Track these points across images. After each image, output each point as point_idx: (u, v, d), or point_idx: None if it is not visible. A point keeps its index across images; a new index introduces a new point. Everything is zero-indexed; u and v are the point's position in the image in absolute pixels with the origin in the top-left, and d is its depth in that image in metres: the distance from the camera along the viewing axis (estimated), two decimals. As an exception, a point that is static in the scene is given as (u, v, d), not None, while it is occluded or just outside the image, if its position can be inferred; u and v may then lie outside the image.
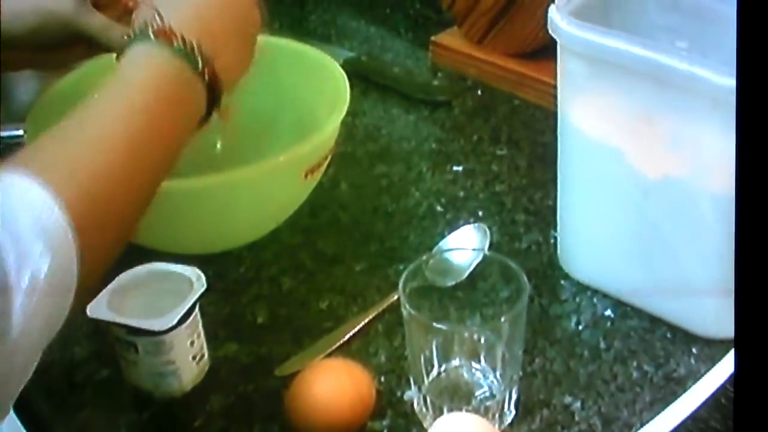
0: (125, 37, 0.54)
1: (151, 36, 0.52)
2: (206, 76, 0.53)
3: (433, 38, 1.00)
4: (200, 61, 0.52)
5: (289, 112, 0.78)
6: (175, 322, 0.56)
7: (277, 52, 0.76)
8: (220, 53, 0.54)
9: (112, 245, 0.47)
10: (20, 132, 0.68)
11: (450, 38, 0.99)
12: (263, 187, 0.66)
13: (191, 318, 0.58)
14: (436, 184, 0.80)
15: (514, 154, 0.85)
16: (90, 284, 0.46)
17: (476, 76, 0.96)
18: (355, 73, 0.88)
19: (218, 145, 0.80)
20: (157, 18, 0.53)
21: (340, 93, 0.70)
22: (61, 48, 0.65)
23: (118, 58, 0.54)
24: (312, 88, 0.75)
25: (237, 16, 0.58)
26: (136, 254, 0.58)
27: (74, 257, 0.42)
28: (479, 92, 0.94)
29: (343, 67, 0.75)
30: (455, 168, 0.83)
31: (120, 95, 0.50)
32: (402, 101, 0.94)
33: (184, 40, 0.52)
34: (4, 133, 0.79)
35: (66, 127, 0.48)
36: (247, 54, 0.59)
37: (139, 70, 0.52)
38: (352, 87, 0.71)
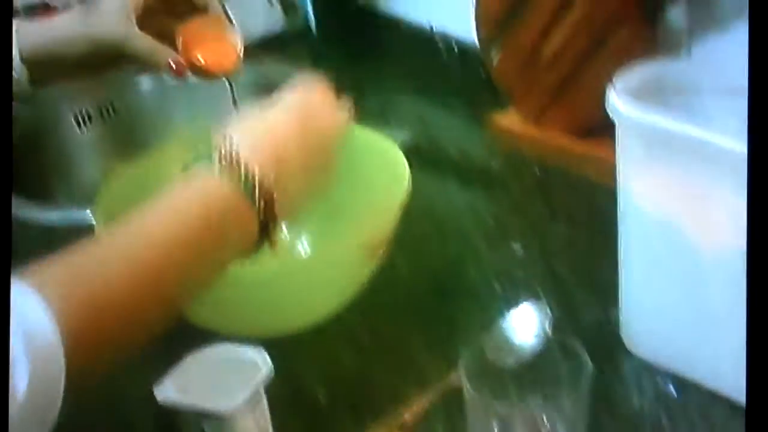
0: (191, 161, 0.53)
1: (215, 159, 0.52)
2: (261, 213, 0.52)
3: (489, 117, 1.01)
4: (258, 197, 0.51)
5: (349, 195, 0.77)
6: (241, 404, 0.57)
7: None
8: (284, 185, 0.53)
9: (114, 358, 0.46)
10: (87, 213, 0.69)
11: (507, 117, 1.00)
12: (325, 270, 0.67)
13: (257, 400, 0.58)
14: (495, 263, 0.81)
15: (573, 231, 0.85)
16: (88, 384, 0.45)
17: (534, 154, 0.96)
18: (412, 153, 0.85)
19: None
20: (227, 142, 0.53)
21: (399, 175, 0.71)
22: (110, 66, 0.67)
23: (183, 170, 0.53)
24: (371, 171, 0.76)
25: (315, 146, 0.58)
26: (200, 336, 0.60)
27: (61, 370, 0.41)
28: (537, 170, 0.95)
29: (400, 147, 0.76)
30: (513, 246, 0.83)
31: (161, 223, 0.49)
32: (459, 180, 0.95)
33: (246, 172, 0.51)
34: (69, 215, 0.80)
35: (96, 250, 0.47)
36: (314, 186, 0.58)
37: (191, 197, 0.51)
38: (409, 167, 0.73)
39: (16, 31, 0.64)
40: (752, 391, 0.37)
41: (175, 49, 0.68)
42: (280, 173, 0.54)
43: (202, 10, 0.71)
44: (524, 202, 0.90)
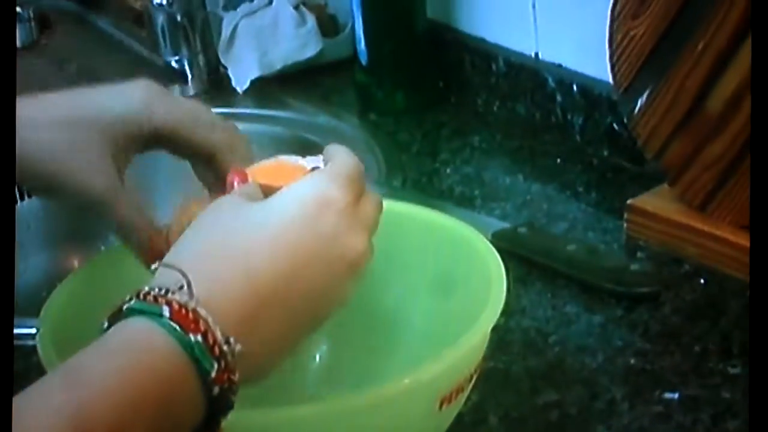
0: (126, 301, 0.55)
1: (165, 315, 0.54)
2: (215, 389, 0.54)
3: (630, 201, 1.01)
4: (215, 370, 0.54)
5: (418, 309, 0.79)
6: None
7: (399, 224, 0.77)
8: (253, 356, 0.56)
9: None
10: (32, 331, 0.72)
11: (657, 201, 1.00)
12: (381, 420, 0.66)
13: None
14: (638, 420, 0.79)
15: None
16: None
17: (697, 257, 0.96)
18: (511, 251, 0.90)
19: (317, 357, 0.82)
20: (184, 289, 0.55)
21: (490, 283, 0.70)
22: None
23: (109, 320, 0.55)
24: (450, 275, 0.77)
25: (313, 300, 0.60)
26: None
27: None
28: (702, 281, 0.94)
29: (492, 242, 0.75)
30: (667, 395, 0.81)
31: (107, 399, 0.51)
32: (581, 294, 0.94)
33: (206, 336, 0.54)
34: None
35: None
36: (293, 348, 0.60)
37: (127, 362, 0.53)
38: (507, 272, 0.71)
39: None
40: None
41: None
42: (250, 340, 0.56)
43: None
44: (684, 328, 0.89)
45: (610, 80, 1.01)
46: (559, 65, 1.20)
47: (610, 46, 0.99)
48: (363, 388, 0.71)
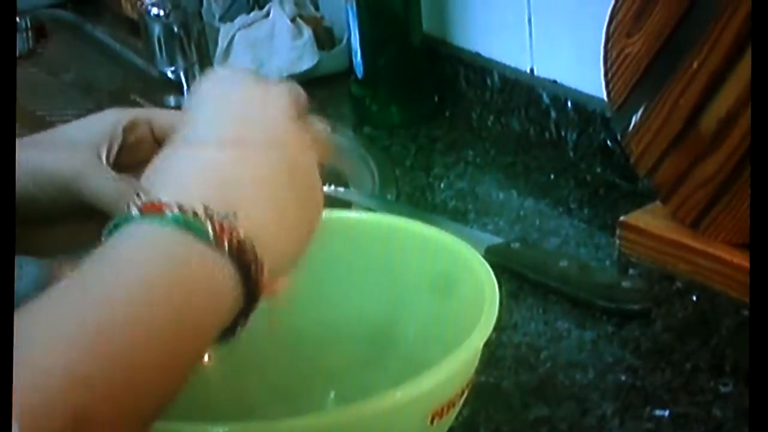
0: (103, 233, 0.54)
1: (136, 213, 0.53)
2: (228, 246, 0.53)
3: (622, 218, 1.01)
4: (209, 226, 0.53)
5: (409, 323, 0.79)
6: None
7: (393, 237, 0.78)
8: (249, 211, 0.55)
9: None
10: None
11: (649, 218, 1.00)
12: None
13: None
14: None
15: (747, 392, 0.81)
16: None
17: (689, 275, 0.96)
18: (504, 266, 0.91)
19: (307, 369, 0.80)
20: (141, 196, 0.54)
21: (483, 298, 0.70)
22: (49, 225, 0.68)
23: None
24: (442, 290, 0.76)
25: (275, 163, 0.60)
26: None
27: None
28: (693, 298, 0.94)
29: (485, 257, 0.75)
30: (657, 413, 0.81)
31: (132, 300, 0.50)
32: (573, 310, 0.93)
33: (180, 205, 0.53)
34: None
35: None
36: (299, 209, 0.60)
37: (120, 258, 0.52)
38: (499, 287, 0.71)
39: None
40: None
41: None
42: (234, 196, 0.56)
43: None
44: (675, 346, 0.89)
45: (605, 97, 1.01)
46: (554, 81, 1.21)
47: (605, 63, 0.99)
48: (354, 401, 0.71)
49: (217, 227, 0.53)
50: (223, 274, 0.53)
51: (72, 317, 0.48)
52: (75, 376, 0.46)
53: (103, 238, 0.54)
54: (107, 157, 0.70)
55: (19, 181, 0.64)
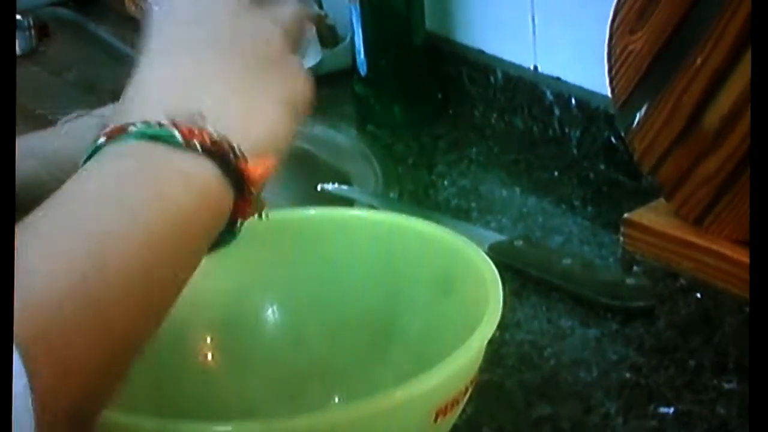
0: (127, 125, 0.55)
1: (102, 141, 0.54)
2: (200, 145, 0.54)
3: (626, 215, 1.01)
4: (176, 131, 0.54)
5: (412, 321, 0.79)
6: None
7: (395, 235, 0.78)
8: (214, 108, 0.56)
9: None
10: None
11: (653, 215, 1.00)
12: None
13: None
14: None
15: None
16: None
17: (693, 272, 0.96)
18: (506, 264, 0.90)
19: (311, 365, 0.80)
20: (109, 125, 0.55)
21: (486, 296, 0.70)
22: None
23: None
24: (445, 288, 0.76)
25: (228, 56, 0.61)
26: None
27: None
28: (697, 295, 0.93)
29: (488, 255, 0.75)
30: (662, 410, 0.81)
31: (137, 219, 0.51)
32: (576, 308, 0.93)
33: (145, 121, 0.54)
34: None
35: None
36: (268, 92, 0.61)
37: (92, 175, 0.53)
38: (503, 285, 0.71)
39: None
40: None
41: None
42: (242, 118, 0.58)
43: None
44: (679, 343, 0.89)
45: (608, 94, 1.01)
46: (558, 78, 1.20)
47: (609, 60, 0.99)
48: (358, 399, 0.71)
49: (185, 130, 0.54)
50: (203, 172, 0.54)
51: (65, 236, 0.49)
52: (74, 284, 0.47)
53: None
54: None
55: (30, 167, 0.66)
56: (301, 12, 0.66)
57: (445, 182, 1.16)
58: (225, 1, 0.63)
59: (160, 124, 0.54)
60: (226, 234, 0.57)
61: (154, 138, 0.54)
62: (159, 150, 0.54)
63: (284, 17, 0.65)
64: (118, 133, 0.54)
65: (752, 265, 0.47)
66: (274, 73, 0.62)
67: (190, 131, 0.54)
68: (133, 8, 1.71)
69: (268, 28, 0.63)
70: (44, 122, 1.36)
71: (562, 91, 1.18)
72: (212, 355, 0.78)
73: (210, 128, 0.55)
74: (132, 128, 0.54)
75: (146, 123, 0.54)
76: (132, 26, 1.71)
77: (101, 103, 1.41)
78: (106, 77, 1.59)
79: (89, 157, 0.55)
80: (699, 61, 0.92)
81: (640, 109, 0.98)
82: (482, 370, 0.70)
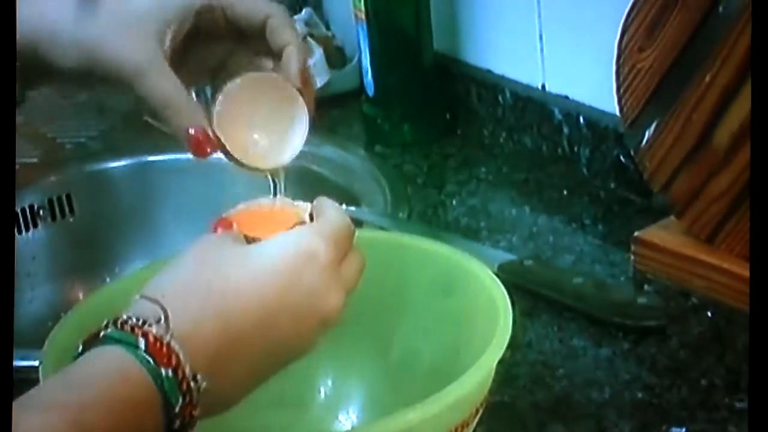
0: (102, 330, 0.57)
1: (141, 346, 0.55)
2: (177, 422, 0.55)
3: (637, 233, 1.01)
4: (181, 403, 0.55)
5: (424, 341, 0.79)
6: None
7: (405, 255, 0.78)
8: (219, 392, 0.58)
9: None
10: (35, 363, 0.71)
11: (664, 234, 1.00)
12: None
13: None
14: None
15: None
16: None
17: (704, 290, 0.96)
18: (517, 284, 0.91)
19: (323, 390, 0.81)
20: (161, 323, 0.56)
21: (496, 317, 0.70)
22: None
23: (84, 345, 0.57)
24: (454, 308, 0.76)
25: (282, 341, 0.61)
26: None
27: None
28: (709, 314, 0.93)
29: (498, 275, 0.75)
30: (674, 430, 0.80)
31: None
32: (588, 327, 0.93)
33: (176, 371, 0.55)
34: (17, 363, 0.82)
35: None
36: (257, 385, 0.62)
37: (103, 391, 0.54)
38: (513, 305, 0.71)
39: None
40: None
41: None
42: (217, 379, 0.57)
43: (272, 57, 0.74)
44: (691, 362, 0.88)
45: (617, 113, 1.01)
46: (566, 97, 1.20)
47: (617, 78, 0.99)
48: (368, 421, 0.71)
49: (186, 407, 0.55)
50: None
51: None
52: None
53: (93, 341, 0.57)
54: (172, 41, 0.70)
55: (68, 54, 0.69)
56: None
57: (455, 202, 1.16)
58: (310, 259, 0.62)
59: (174, 370, 0.55)
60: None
61: (153, 374, 0.55)
62: (149, 385, 0.55)
63: (352, 279, 0.66)
64: (126, 333, 0.56)
65: (752, 281, 0.46)
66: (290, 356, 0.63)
67: (188, 399, 0.55)
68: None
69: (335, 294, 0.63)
70: (53, 146, 1.37)
71: (571, 109, 1.18)
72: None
73: (197, 408, 0.56)
74: (141, 346, 0.55)
75: (156, 359, 0.55)
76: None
77: (111, 125, 1.42)
78: (115, 99, 1.59)
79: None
80: (708, 78, 0.92)
81: (649, 127, 0.97)
82: (494, 391, 0.70)
